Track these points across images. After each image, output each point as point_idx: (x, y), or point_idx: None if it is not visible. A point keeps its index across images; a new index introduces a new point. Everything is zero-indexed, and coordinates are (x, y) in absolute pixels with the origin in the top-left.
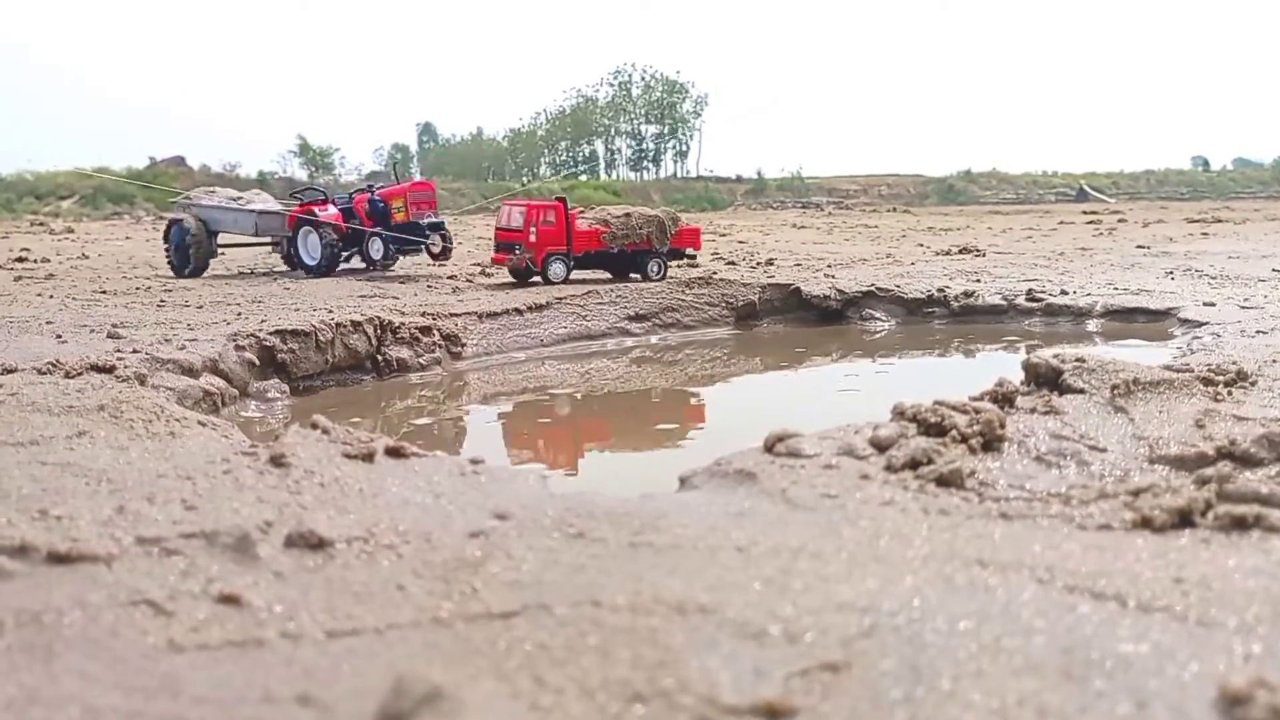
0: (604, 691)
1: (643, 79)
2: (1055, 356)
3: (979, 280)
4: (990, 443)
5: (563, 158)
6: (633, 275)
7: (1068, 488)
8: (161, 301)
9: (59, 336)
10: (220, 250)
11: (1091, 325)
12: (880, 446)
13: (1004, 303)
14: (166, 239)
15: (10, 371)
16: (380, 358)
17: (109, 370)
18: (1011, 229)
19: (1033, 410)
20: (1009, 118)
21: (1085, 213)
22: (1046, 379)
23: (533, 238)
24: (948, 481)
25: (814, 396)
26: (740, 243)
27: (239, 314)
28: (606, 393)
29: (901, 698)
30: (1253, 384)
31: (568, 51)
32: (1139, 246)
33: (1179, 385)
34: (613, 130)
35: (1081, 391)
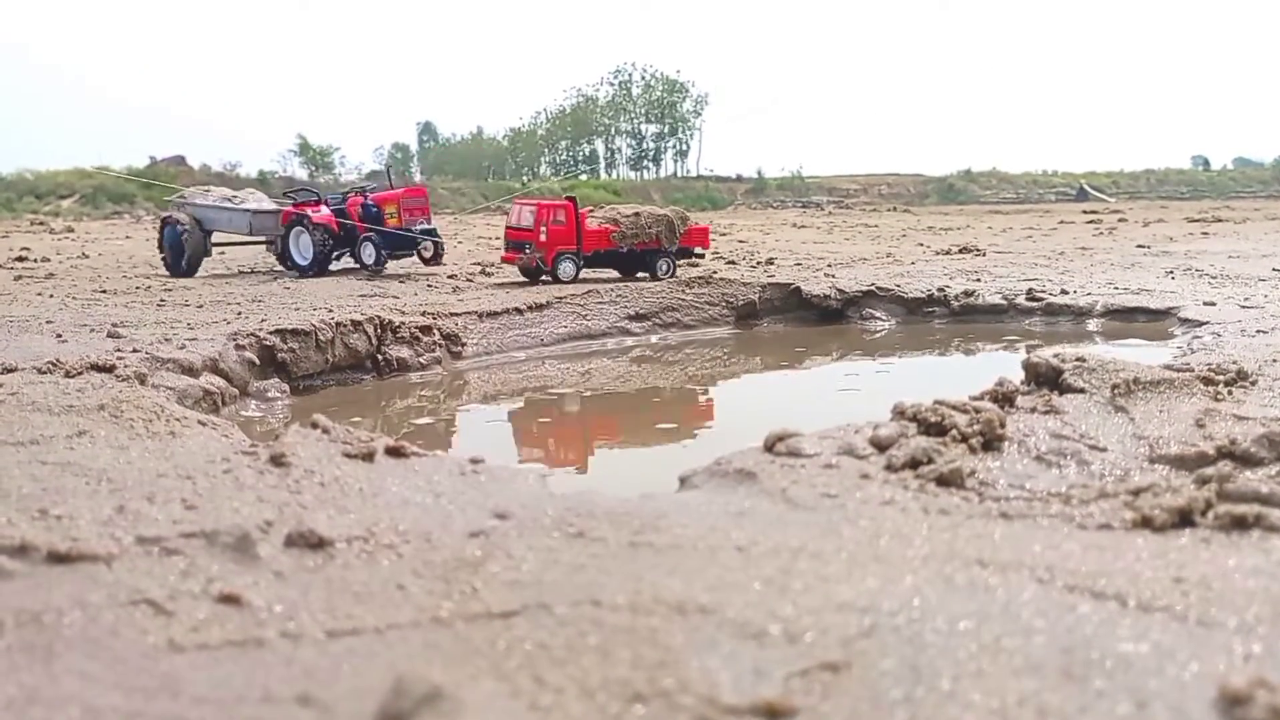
0: (604, 691)
1: (643, 78)
2: (1055, 356)
3: (979, 280)
4: (990, 442)
5: (563, 157)
6: (640, 275)
7: (1068, 487)
8: (161, 301)
9: (59, 336)
10: (220, 251)
11: (1092, 325)
12: (880, 446)
13: (1004, 302)
14: (160, 237)
15: (10, 371)
16: (380, 357)
17: (109, 370)
18: (1012, 228)
19: (1033, 410)
20: (1009, 118)
21: (1085, 212)
22: (1047, 378)
23: (543, 237)
24: (948, 481)
25: (814, 396)
26: (740, 242)
27: (239, 313)
28: (607, 392)
29: (901, 698)
30: (1253, 383)
31: (568, 51)
32: (1139, 246)
33: (1179, 385)
34: (613, 130)
35: (1082, 391)
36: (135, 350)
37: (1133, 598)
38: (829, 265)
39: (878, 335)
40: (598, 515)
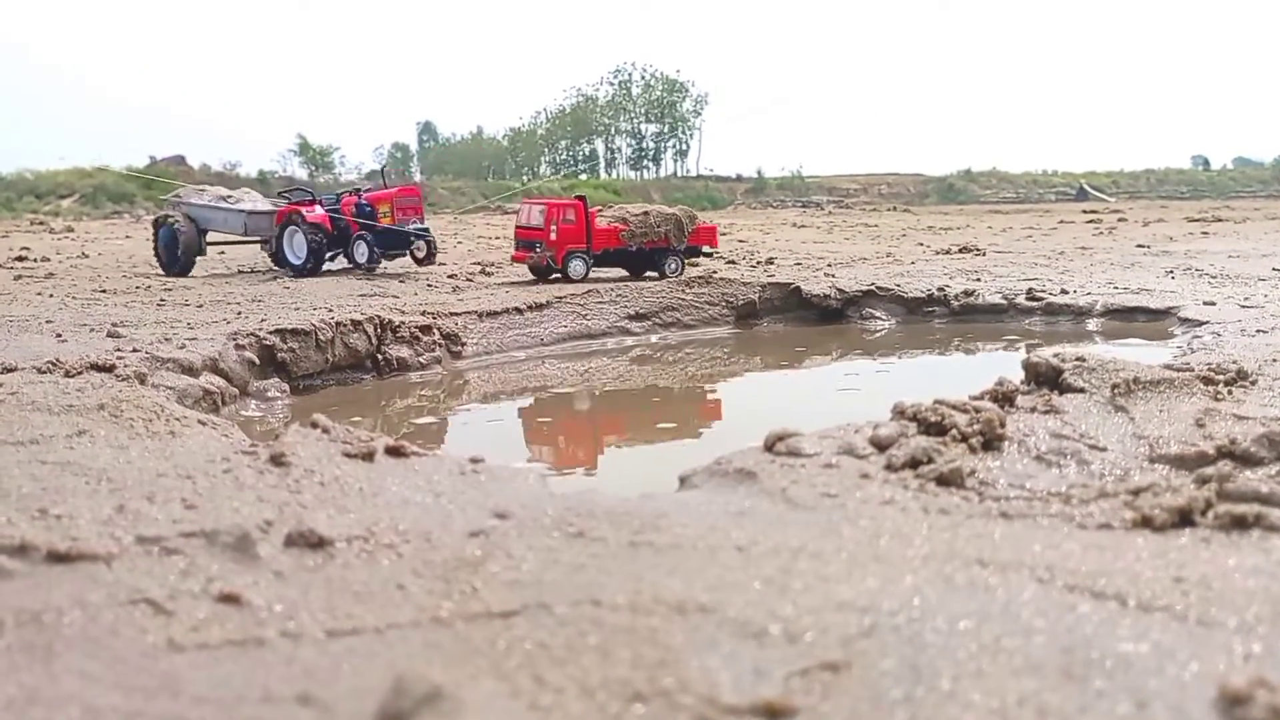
0: (604, 691)
1: (643, 78)
2: (1055, 356)
3: (979, 279)
4: (990, 442)
5: (563, 157)
6: (641, 274)
7: (1068, 487)
8: (161, 300)
9: (59, 335)
10: (220, 250)
11: (1092, 324)
12: (880, 446)
13: (1004, 302)
14: (155, 236)
15: (10, 370)
16: (380, 357)
17: (109, 369)
18: (1011, 228)
19: (1033, 409)
20: (1009, 117)
21: (1085, 212)
22: (1047, 378)
23: (553, 236)
24: (948, 481)
25: (814, 396)
26: (740, 242)
27: (239, 313)
28: (607, 392)
29: (901, 697)
30: (1253, 383)
31: (568, 51)
32: (1139, 246)
33: (1179, 384)
34: (613, 129)
35: (1082, 391)
36: (135, 350)
37: (1133, 597)
38: (829, 265)
39: (878, 335)
40: (598, 515)
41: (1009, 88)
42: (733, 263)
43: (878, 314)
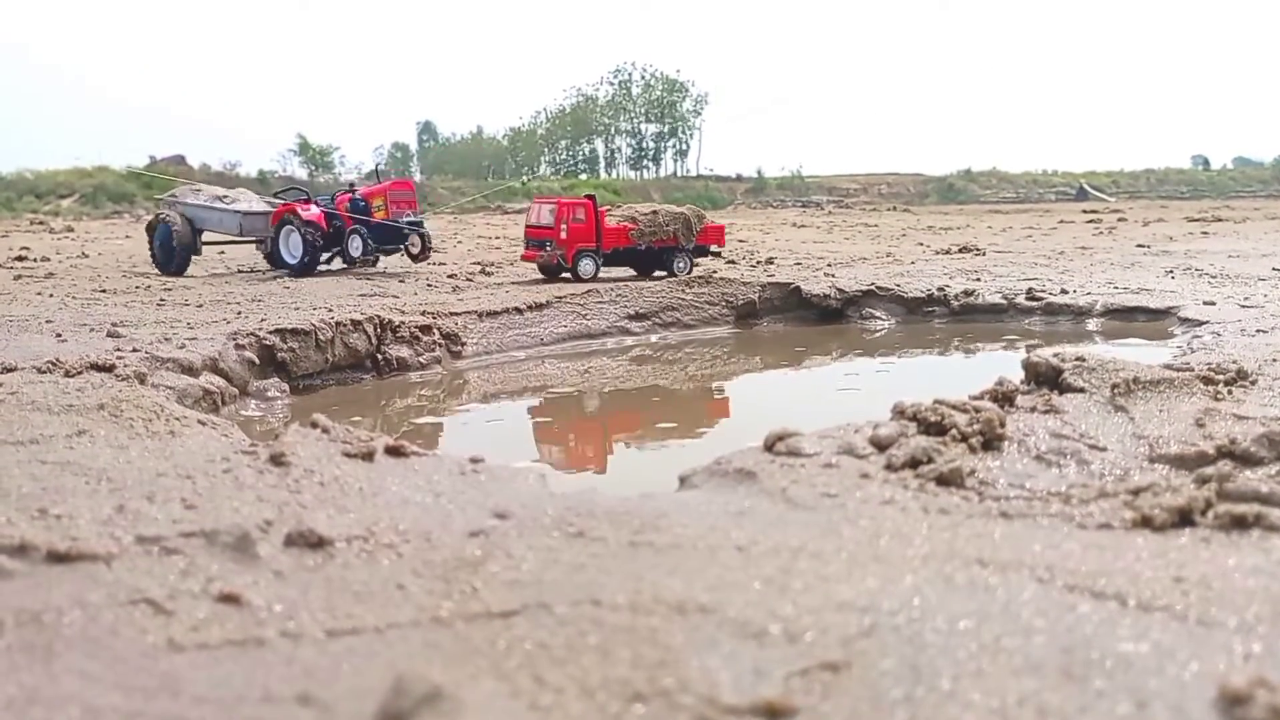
0: (604, 691)
1: (643, 78)
2: (1055, 355)
3: (979, 279)
4: (990, 442)
5: (563, 157)
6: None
7: (1068, 487)
8: (161, 300)
9: (59, 335)
10: (220, 250)
11: (1091, 324)
12: (880, 445)
13: (1004, 302)
14: (150, 235)
15: (10, 370)
16: (380, 356)
17: (109, 369)
18: (1011, 228)
19: (1033, 409)
20: (1009, 117)
21: (1085, 212)
22: (1046, 378)
23: (563, 235)
24: (948, 480)
25: (814, 395)
26: (740, 241)
27: (239, 313)
28: (606, 391)
29: (901, 697)
30: (1253, 383)
31: (568, 51)
32: (1139, 245)
33: (1179, 384)
34: (613, 129)
35: (1081, 390)
36: (135, 350)
37: (1133, 597)
38: (829, 265)
39: (877, 335)
40: (598, 515)
41: (1009, 88)
42: (733, 262)
43: (878, 314)
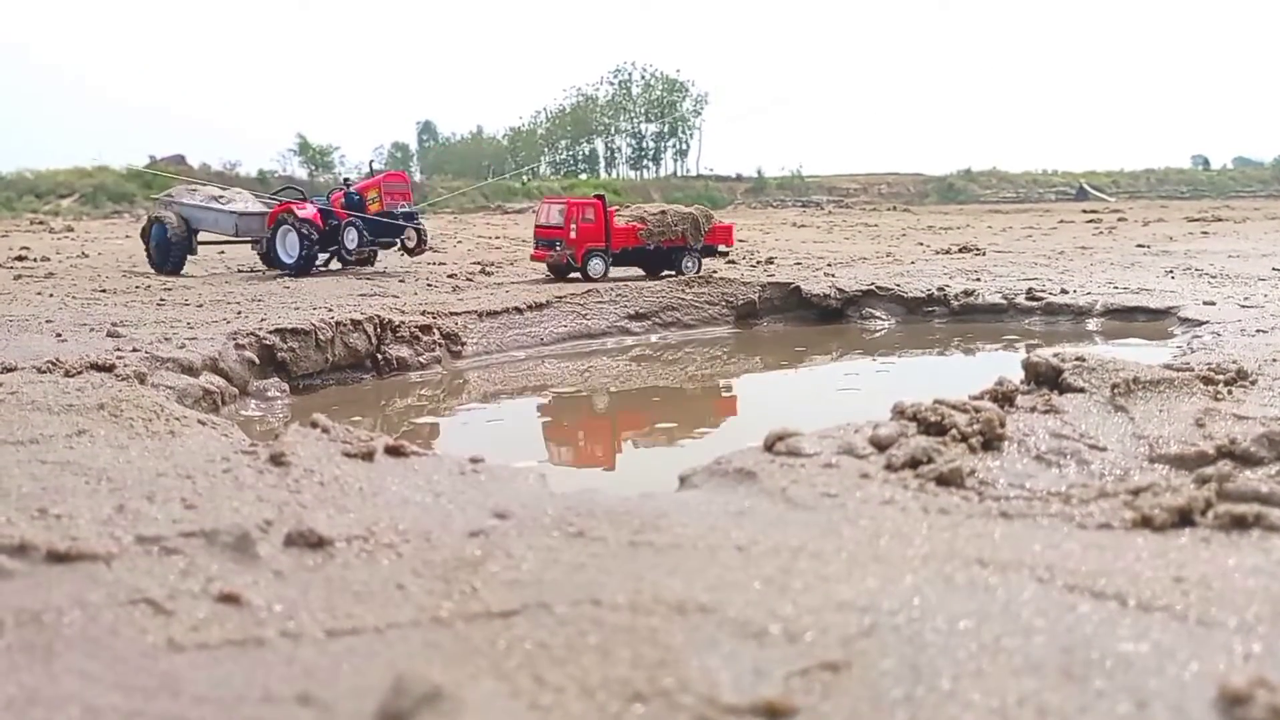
0: (604, 691)
1: (643, 78)
2: (1055, 355)
3: (979, 279)
4: (990, 442)
5: (563, 156)
6: (638, 273)
7: (1068, 487)
8: (161, 300)
9: (59, 335)
10: (220, 250)
11: (1091, 324)
12: (880, 445)
13: (1004, 301)
14: (146, 235)
15: (10, 370)
16: (380, 356)
17: (109, 369)
18: (1011, 228)
19: (1033, 409)
20: (1009, 117)
21: (1085, 211)
22: (1046, 378)
23: (573, 234)
24: (948, 480)
25: (814, 395)
26: (740, 241)
27: (239, 313)
28: (606, 391)
29: (901, 697)
30: (1253, 383)
31: (568, 51)
32: (1139, 245)
33: (1179, 384)
34: (613, 129)
35: (1081, 390)
36: (135, 349)
37: (1133, 597)
38: (829, 265)
39: (877, 335)
40: (598, 514)
41: (1009, 88)
42: (733, 262)
43: (878, 314)
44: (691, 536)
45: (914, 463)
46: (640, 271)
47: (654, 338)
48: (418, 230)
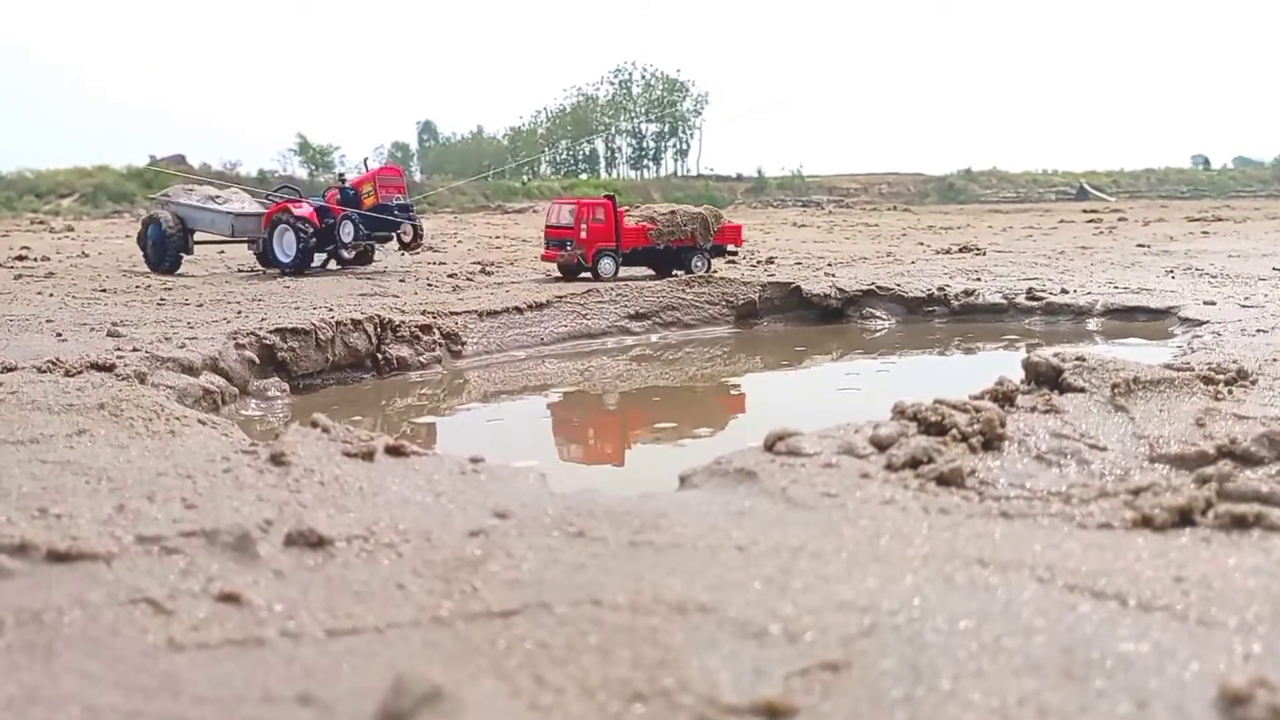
0: (604, 691)
1: (643, 77)
2: (1055, 355)
3: (979, 279)
4: (990, 441)
5: (563, 156)
6: (643, 273)
7: (1068, 486)
8: (161, 300)
9: (59, 335)
10: (220, 250)
11: (1092, 324)
12: (880, 445)
13: (1004, 301)
14: (143, 234)
15: (10, 369)
16: (380, 356)
17: (109, 368)
18: (1012, 228)
19: (1033, 409)
20: (1009, 117)
21: (1085, 211)
22: (1047, 378)
23: (583, 234)
24: (948, 480)
25: (814, 395)
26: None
27: (239, 312)
28: (607, 391)
29: (902, 697)
30: (1253, 383)
31: (568, 51)
32: (1139, 245)
33: (1179, 384)
34: (613, 129)
35: (1082, 390)
36: (135, 349)
37: (1133, 597)
38: (829, 264)
39: (878, 334)
40: (598, 514)
41: (1009, 88)
42: (733, 262)
43: (878, 313)
44: (692, 536)
45: (914, 462)
46: (649, 271)
47: (654, 337)
48: (413, 225)
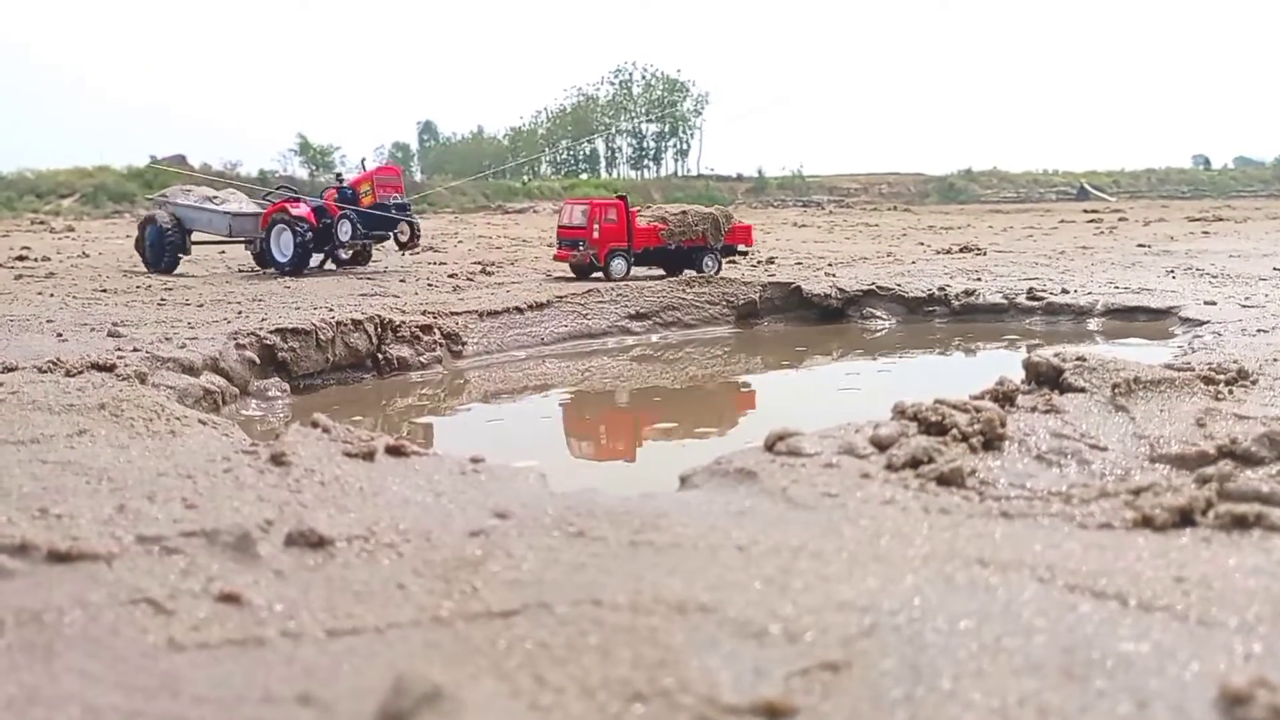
0: (604, 691)
1: (643, 77)
2: (1056, 355)
3: (980, 279)
4: (991, 441)
5: (563, 156)
6: (642, 274)
7: (1068, 486)
8: (162, 300)
9: (60, 335)
10: (220, 250)
11: (1092, 324)
12: (881, 445)
13: (1005, 301)
14: (142, 234)
15: (11, 370)
16: (381, 356)
17: (109, 369)
18: (1012, 228)
19: (1033, 409)
20: (1009, 117)
21: (1086, 211)
22: (1047, 378)
23: (596, 234)
24: (948, 480)
25: (815, 395)
26: None
27: (239, 312)
28: (607, 391)
29: (902, 697)
30: (1254, 382)
31: (568, 51)
32: (1140, 245)
33: (1180, 384)
34: (613, 129)
35: (1082, 390)
36: (136, 349)
37: (1133, 597)
38: (829, 264)
39: (878, 334)
40: (598, 514)
41: (1009, 88)
42: (734, 262)
43: (878, 313)
44: (692, 536)
45: (915, 462)
46: (655, 271)
47: (655, 337)
48: (411, 224)
